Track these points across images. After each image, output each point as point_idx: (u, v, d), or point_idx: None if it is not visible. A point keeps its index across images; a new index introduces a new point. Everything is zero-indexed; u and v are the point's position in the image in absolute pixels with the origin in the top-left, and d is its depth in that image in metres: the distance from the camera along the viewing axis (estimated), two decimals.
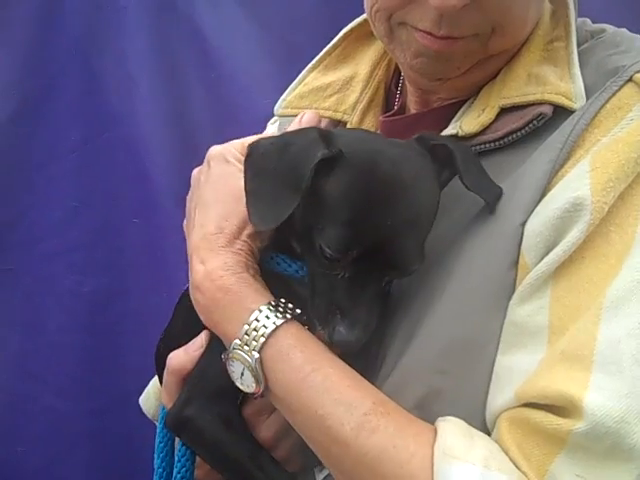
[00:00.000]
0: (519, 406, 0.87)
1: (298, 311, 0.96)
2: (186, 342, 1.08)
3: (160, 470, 1.14)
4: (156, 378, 1.31)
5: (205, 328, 1.06)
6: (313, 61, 1.26)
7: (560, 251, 0.88)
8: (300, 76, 1.26)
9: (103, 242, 2.09)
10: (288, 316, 0.94)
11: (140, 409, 1.40)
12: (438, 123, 1.07)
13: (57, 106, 2.08)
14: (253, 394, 0.96)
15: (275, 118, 1.41)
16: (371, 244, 0.89)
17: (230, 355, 0.95)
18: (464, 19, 0.96)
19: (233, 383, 1.01)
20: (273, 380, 0.94)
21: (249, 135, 1.47)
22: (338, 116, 1.21)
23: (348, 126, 1.20)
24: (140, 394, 1.40)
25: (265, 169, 0.94)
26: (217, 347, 1.03)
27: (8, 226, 2.06)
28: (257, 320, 0.94)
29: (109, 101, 2.10)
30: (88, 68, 2.09)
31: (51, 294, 2.08)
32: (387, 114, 1.19)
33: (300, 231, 0.97)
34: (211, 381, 1.04)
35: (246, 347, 0.94)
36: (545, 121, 0.99)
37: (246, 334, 0.94)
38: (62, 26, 2.06)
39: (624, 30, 1.07)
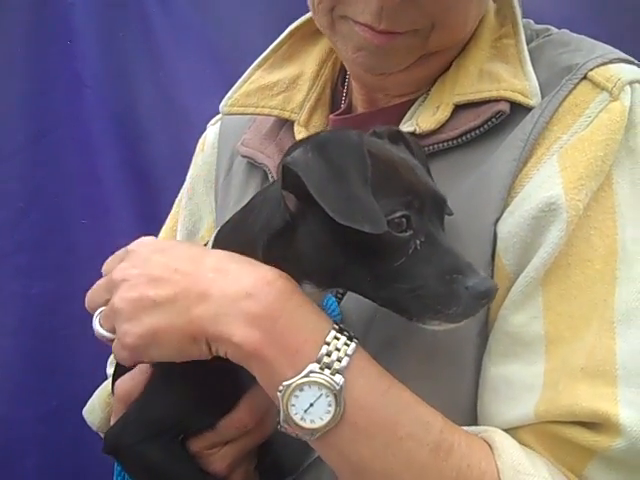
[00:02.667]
0: (543, 422, 0.87)
1: (356, 340, 0.87)
2: None
3: None
4: (100, 389, 1.30)
5: None
6: (258, 59, 1.24)
7: (544, 254, 0.89)
8: (245, 74, 1.24)
9: (51, 244, 2.05)
10: (356, 340, 0.85)
11: None
12: (389, 122, 1.06)
13: (2, 106, 2.04)
14: (312, 432, 0.84)
15: (216, 119, 1.40)
16: (422, 190, 0.86)
17: (302, 382, 0.83)
18: (404, 14, 0.97)
19: (175, 418, 0.95)
20: (352, 402, 0.83)
21: (197, 132, 1.47)
22: (285, 115, 1.20)
23: (296, 125, 1.18)
24: (88, 399, 1.37)
25: (326, 179, 0.81)
26: (161, 379, 0.98)
27: None
28: (336, 338, 0.84)
29: (56, 101, 2.06)
30: (34, 67, 2.05)
31: None
32: (336, 113, 1.19)
33: (342, 247, 0.84)
34: (152, 415, 0.98)
35: (327, 370, 0.82)
36: (503, 119, 0.99)
37: (327, 355, 0.83)
38: (6, 24, 2.02)
39: (567, 30, 1.10)
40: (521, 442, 0.88)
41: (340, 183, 0.80)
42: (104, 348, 1.21)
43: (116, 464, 1.08)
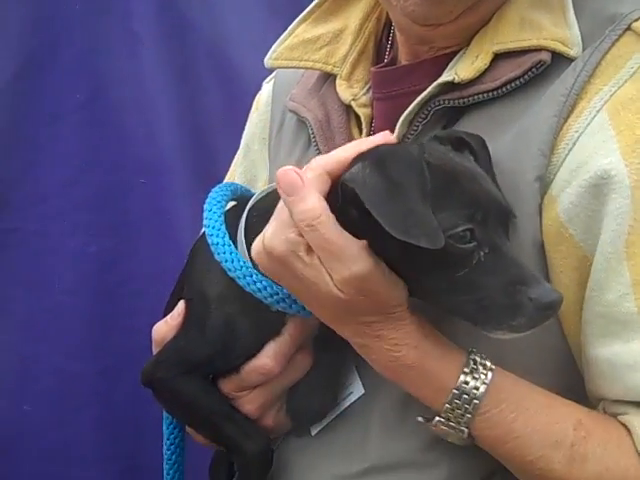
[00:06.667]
0: None
1: (492, 367, 0.93)
2: None
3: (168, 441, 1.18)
4: None
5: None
6: (303, 13, 1.25)
7: (616, 225, 0.88)
8: (289, 28, 1.25)
9: (109, 202, 2.06)
10: (486, 381, 0.92)
11: None
12: (430, 74, 1.05)
13: (62, 64, 2.04)
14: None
15: (270, 77, 1.41)
16: (485, 201, 0.87)
17: (433, 424, 0.95)
18: None
19: (205, 359, 1.03)
20: (479, 439, 0.94)
21: (253, 90, 1.47)
22: (328, 68, 1.20)
23: (338, 79, 1.18)
24: (147, 354, 1.40)
25: (383, 195, 0.83)
26: (192, 321, 1.06)
27: (12, 184, 2.03)
28: (457, 400, 0.92)
29: (115, 60, 2.06)
30: (92, 26, 2.05)
31: (57, 254, 2.05)
32: (378, 66, 1.18)
33: (404, 259, 0.87)
34: (184, 355, 1.06)
35: (452, 423, 0.93)
36: (543, 69, 0.96)
37: (449, 412, 0.93)
38: None
39: None
40: None
41: (397, 198, 0.82)
42: (162, 304, 1.22)
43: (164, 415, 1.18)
